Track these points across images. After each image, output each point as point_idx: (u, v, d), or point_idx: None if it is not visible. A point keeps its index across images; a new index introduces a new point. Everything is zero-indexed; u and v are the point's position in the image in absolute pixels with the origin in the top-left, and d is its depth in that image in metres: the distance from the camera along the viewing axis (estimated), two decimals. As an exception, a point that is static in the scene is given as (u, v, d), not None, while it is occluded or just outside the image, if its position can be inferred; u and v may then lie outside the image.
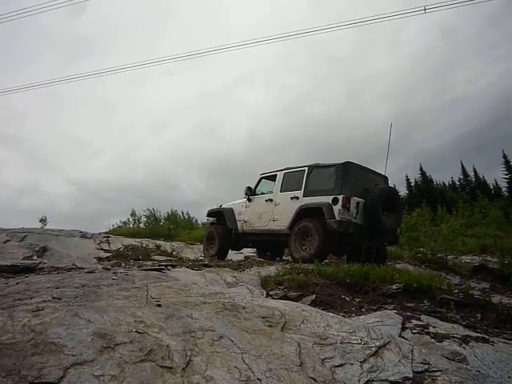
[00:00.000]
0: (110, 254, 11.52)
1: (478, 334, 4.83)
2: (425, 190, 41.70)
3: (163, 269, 6.61)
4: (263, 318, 4.04)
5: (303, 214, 8.84)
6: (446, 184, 44.95)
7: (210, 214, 11.41)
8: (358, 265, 7.43)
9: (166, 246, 13.63)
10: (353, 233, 8.47)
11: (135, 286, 4.83)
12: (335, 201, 8.35)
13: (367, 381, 3.36)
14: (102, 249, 12.47)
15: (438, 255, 11.80)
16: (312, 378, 3.22)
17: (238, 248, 11.14)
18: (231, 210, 10.63)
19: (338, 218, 8.25)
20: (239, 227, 10.33)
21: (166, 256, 11.23)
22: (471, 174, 44.53)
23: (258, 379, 3.06)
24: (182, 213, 23.39)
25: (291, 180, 9.48)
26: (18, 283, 5.01)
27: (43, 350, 3.02)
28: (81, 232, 15.69)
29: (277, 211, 9.44)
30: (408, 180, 44.34)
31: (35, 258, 9.85)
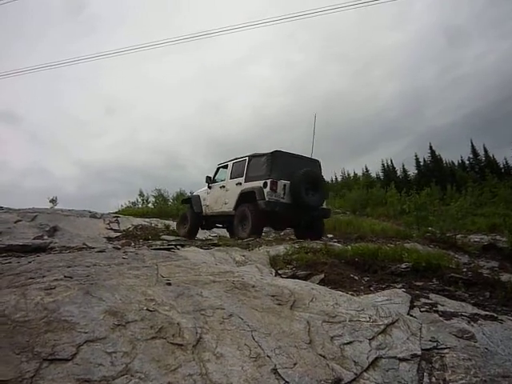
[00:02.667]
0: (119, 234, 11.61)
1: (487, 312, 4.84)
2: (434, 168, 41.41)
3: (173, 248, 6.65)
4: (272, 296, 4.08)
5: (244, 197, 10.33)
6: (456, 163, 44.66)
7: (183, 201, 14.24)
8: (364, 244, 7.46)
9: (175, 225, 13.71)
10: (280, 211, 9.77)
11: (145, 265, 4.88)
12: (265, 184, 9.75)
13: (376, 358, 3.38)
14: (111, 229, 12.54)
15: (447, 234, 11.77)
16: (321, 355, 3.26)
17: (205, 228, 12.75)
18: (198, 196, 12.53)
19: (266, 198, 9.63)
20: (203, 210, 12.09)
21: (174, 236, 11.32)
22: (481, 152, 44.16)
23: (267, 356, 3.10)
24: (191, 193, 23.42)
25: (237, 168, 11.11)
26: (29, 262, 5.07)
27: (56, 328, 3.07)
28: (90, 212, 15.80)
29: (227, 196, 11.03)
30: (417, 159, 44.04)
31: (46, 237, 9.91)
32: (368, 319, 3.93)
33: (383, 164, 43.53)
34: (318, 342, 3.43)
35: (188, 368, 2.81)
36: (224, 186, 11.28)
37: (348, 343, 3.51)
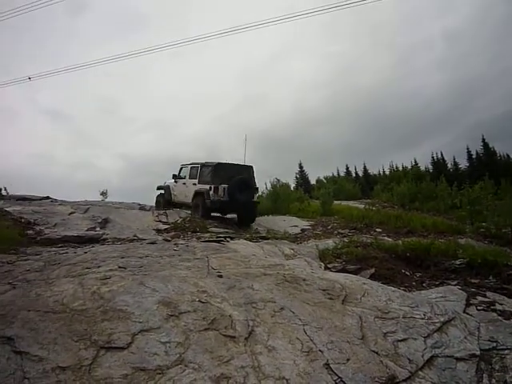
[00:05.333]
0: (168, 226, 11.70)
1: (549, 312, 4.62)
2: (487, 162, 39.83)
3: (222, 240, 6.70)
4: (324, 290, 4.03)
5: (197, 194, 13.89)
6: (511, 156, 42.79)
7: (158, 188, 16.78)
8: (414, 239, 7.28)
9: (222, 218, 13.80)
10: (221, 206, 13.53)
11: (196, 256, 4.93)
12: (210, 188, 13.37)
13: (431, 356, 3.29)
14: (160, 221, 12.69)
15: (503, 230, 11.32)
16: (374, 352, 3.19)
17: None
18: (168, 187, 15.99)
19: (211, 198, 13.29)
20: (172, 198, 15.64)
21: (222, 228, 11.39)
22: (538, 144, 42.08)
23: (319, 351, 3.06)
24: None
25: (193, 172, 14.68)
26: (85, 253, 5.22)
27: (112, 317, 3.15)
28: (139, 204, 16.12)
29: (187, 191, 14.66)
30: (469, 152, 42.46)
31: (98, 229, 10.15)
32: (423, 316, 3.82)
33: (433, 157, 42.26)
34: (370, 338, 3.36)
35: (240, 360, 2.81)
36: (185, 184, 14.95)
37: (402, 340, 3.43)
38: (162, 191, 16.35)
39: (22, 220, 9.69)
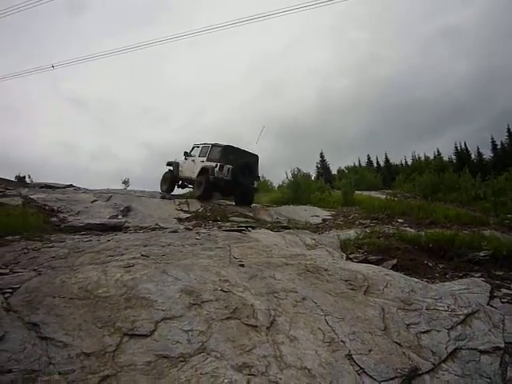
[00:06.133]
0: (189, 215, 11.74)
1: None
2: (512, 152, 39.08)
3: (243, 230, 6.71)
4: (346, 280, 4.01)
5: (203, 170, 14.66)
6: (538, 146, 41.80)
7: (168, 164, 17.23)
8: (434, 230, 7.18)
9: (243, 208, 13.81)
10: (223, 184, 14.26)
11: (218, 245, 4.95)
12: (216, 165, 14.21)
13: (455, 349, 3.26)
14: (181, 210, 12.72)
15: (529, 221, 11.10)
16: (397, 343, 3.17)
17: (180, 186, 16.87)
18: (177, 163, 16.60)
19: (215, 175, 14.11)
20: (180, 174, 16.31)
21: (243, 217, 11.39)
22: None
23: (341, 341, 3.05)
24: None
25: (203, 150, 15.55)
26: (108, 240, 5.28)
27: (135, 304, 3.18)
28: (161, 193, 16.26)
29: (194, 167, 15.34)
30: (493, 142, 41.63)
31: (120, 217, 10.24)
32: (446, 308, 3.78)
33: (456, 147, 41.55)
34: (393, 330, 3.34)
35: (262, 349, 2.82)
36: (194, 160, 15.67)
37: (425, 332, 3.40)
38: (171, 167, 16.97)
39: (46, 207, 9.81)
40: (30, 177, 17.83)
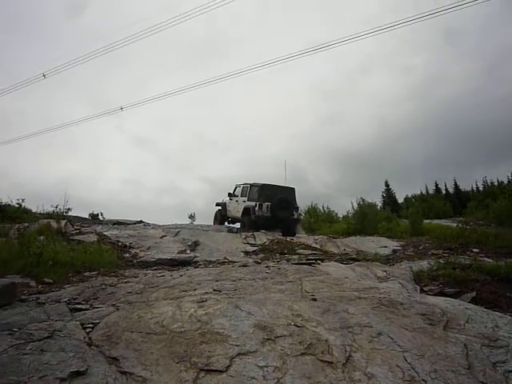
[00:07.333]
0: (256, 248, 11.83)
1: None
2: None
3: (313, 263, 6.63)
4: (422, 315, 3.85)
5: (246, 210, 16.27)
6: None
7: (217, 204, 19.27)
8: None
9: (309, 239, 13.71)
10: (263, 221, 15.69)
11: (289, 279, 4.92)
12: (256, 205, 15.82)
13: (548, 389, 3.02)
14: (248, 243, 12.84)
15: None
16: (483, 383, 2.98)
17: (230, 223, 18.35)
18: (225, 203, 18.37)
19: (256, 213, 15.73)
20: (227, 213, 18.09)
21: (310, 250, 11.30)
22: None
23: (422, 380, 2.91)
24: (322, 206, 23.28)
25: (244, 191, 17.19)
26: (181, 275, 5.40)
27: (210, 339, 3.21)
28: (227, 227, 16.56)
29: (238, 207, 16.97)
30: None
31: (189, 251, 10.46)
32: (536, 345, 3.52)
33: (533, 170, 39.49)
34: (478, 368, 3.15)
35: (339, 387, 2.74)
36: (237, 201, 17.33)
37: (513, 371, 3.18)
38: (220, 207, 18.87)
39: (119, 243, 10.24)
40: (102, 214, 18.67)
